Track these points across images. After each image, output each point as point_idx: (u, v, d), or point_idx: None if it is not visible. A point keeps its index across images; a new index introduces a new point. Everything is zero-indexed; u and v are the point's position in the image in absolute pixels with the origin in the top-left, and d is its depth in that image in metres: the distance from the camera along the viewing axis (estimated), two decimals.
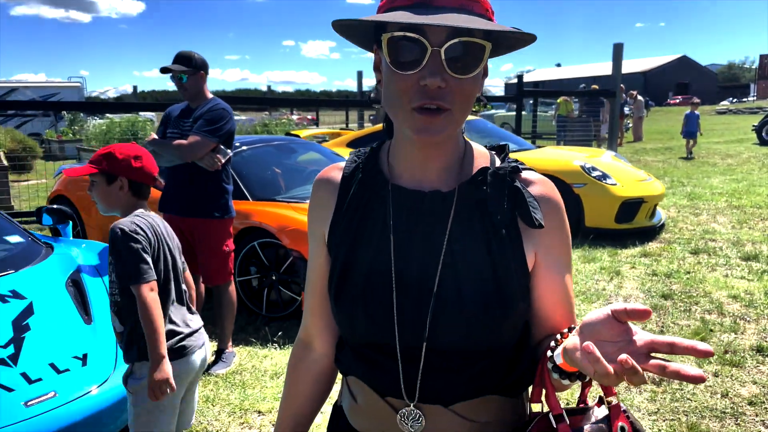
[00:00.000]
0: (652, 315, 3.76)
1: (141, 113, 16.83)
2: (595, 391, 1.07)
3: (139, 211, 2.07)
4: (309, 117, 28.80)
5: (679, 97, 57.44)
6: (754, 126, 16.51)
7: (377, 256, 0.93)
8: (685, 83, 66.81)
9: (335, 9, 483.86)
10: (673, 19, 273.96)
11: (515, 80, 13.25)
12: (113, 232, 1.94)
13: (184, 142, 3.42)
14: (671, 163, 12.32)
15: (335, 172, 1.03)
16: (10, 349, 2.42)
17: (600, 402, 0.89)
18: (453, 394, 0.92)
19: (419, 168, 0.94)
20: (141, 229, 1.98)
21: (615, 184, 6.21)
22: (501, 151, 1.00)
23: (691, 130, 13.52)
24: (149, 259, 1.96)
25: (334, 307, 0.97)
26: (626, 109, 17.46)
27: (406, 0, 0.83)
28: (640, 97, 17.96)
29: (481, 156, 0.98)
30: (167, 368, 1.89)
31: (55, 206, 3.87)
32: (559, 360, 0.79)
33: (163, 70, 3.55)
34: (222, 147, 3.53)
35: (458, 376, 0.91)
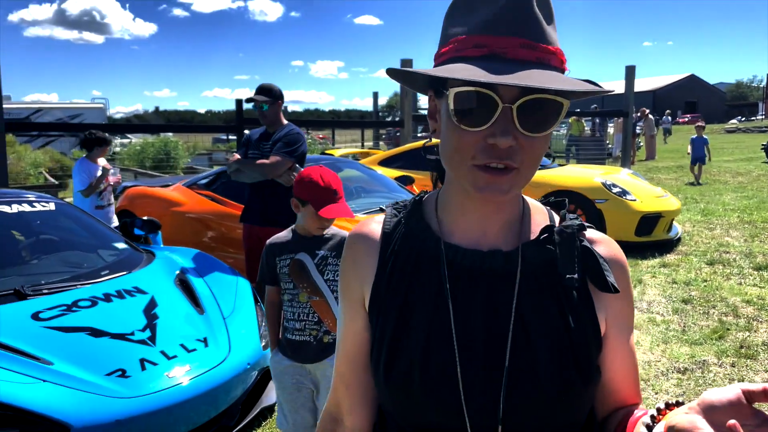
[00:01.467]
0: (675, 317, 4.18)
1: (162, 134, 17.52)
2: None
3: None
4: (321, 135, 29.55)
5: (688, 115, 57.92)
6: (763, 145, 16.98)
7: (434, 326, 0.82)
8: (693, 102, 67.24)
9: (344, 29, 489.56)
10: (681, 37, 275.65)
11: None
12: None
13: (266, 161, 3.94)
14: (684, 180, 12.76)
15: (374, 226, 0.92)
16: (148, 332, 2.93)
17: None
18: None
19: (477, 224, 0.85)
20: None
21: (634, 200, 6.69)
22: (558, 207, 0.93)
23: (698, 155, 12.61)
24: None
25: (384, 385, 0.86)
26: (637, 129, 17.95)
27: (475, 50, 0.75)
28: (650, 116, 18.44)
29: (539, 212, 0.90)
30: None
31: (145, 218, 4.39)
32: None
33: (248, 100, 4.10)
34: (297, 165, 4.05)
35: None
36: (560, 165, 8.66)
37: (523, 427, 0.79)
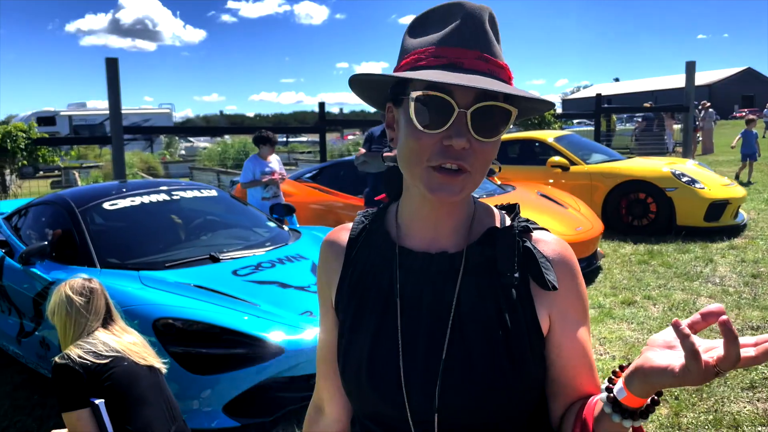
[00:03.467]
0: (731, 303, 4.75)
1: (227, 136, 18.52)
2: None
3: None
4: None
5: (745, 110, 56.40)
6: None
7: (383, 324, 0.90)
8: (750, 96, 65.29)
9: (388, 29, 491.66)
10: (737, 30, 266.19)
11: (572, 96, 14.23)
12: None
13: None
14: (746, 173, 12.97)
15: (343, 234, 1.00)
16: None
17: None
18: None
19: (430, 228, 0.92)
20: None
21: (703, 188, 7.18)
22: (511, 210, 0.97)
23: (748, 151, 11.74)
24: None
25: (341, 378, 0.95)
26: (697, 123, 18.05)
27: (434, 60, 0.82)
28: (711, 109, 18.48)
29: (491, 215, 0.95)
30: None
31: (282, 203, 5.20)
32: (622, 395, 0.74)
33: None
34: None
35: None
36: (629, 157, 9.15)
37: (457, 416, 0.85)
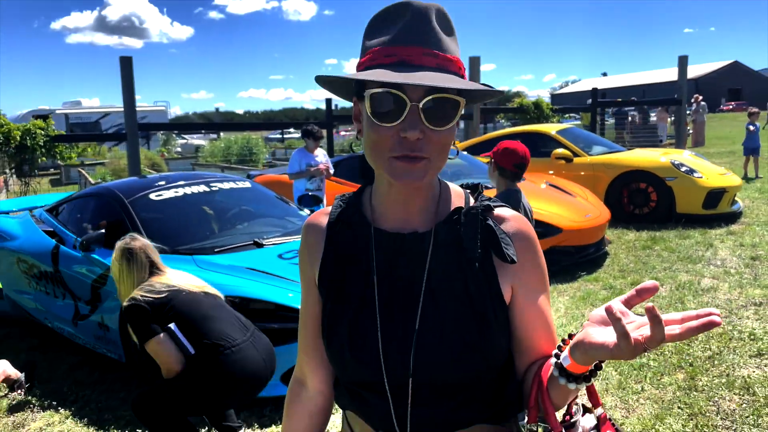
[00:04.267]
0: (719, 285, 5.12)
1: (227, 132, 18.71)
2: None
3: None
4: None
5: (732, 103, 57.11)
6: None
7: (363, 299, 0.98)
8: (737, 89, 66.08)
9: None
10: (724, 23, 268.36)
11: (560, 91, 14.60)
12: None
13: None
14: (738, 164, 13.37)
15: (322, 218, 1.07)
16: None
17: (585, 412, 0.95)
18: (443, 426, 0.96)
19: (400, 210, 0.99)
20: None
21: (701, 177, 7.52)
22: (475, 190, 1.05)
23: (753, 146, 11.21)
24: None
25: (326, 349, 1.03)
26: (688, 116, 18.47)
27: (387, 59, 0.89)
28: (703, 102, 18.89)
29: (457, 196, 1.02)
30: None
31: (309, 194, 5.47)
32: (567, 362, 0.83)
33: None
34: None
35: (447, 408, 0.95)
36: (629, 149, 9.49)
37: (430, 379, 0.94)
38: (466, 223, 0.96)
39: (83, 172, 13.38)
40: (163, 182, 4.65)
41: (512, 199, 3.17)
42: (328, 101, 10.39)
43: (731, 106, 54.20)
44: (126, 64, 9.06)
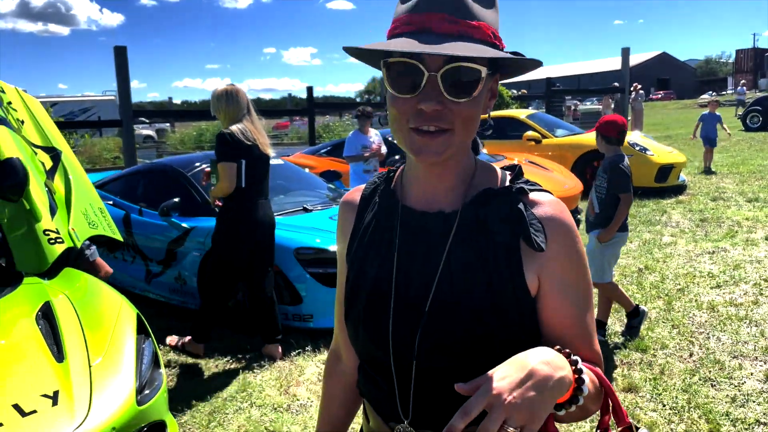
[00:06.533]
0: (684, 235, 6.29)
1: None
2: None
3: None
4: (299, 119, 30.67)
5: (661, 92, 60.50)
6: (738, 115, 19.14)
7: (380, 275, 0.97)
8: (665, 79, 69.85)
9: (316, 14, 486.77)
10: (652, 16, 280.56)
11: (514, 79, 15.78)
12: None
13: None
14: (676, 147, 14.82)
15: (357, 194, 1.07)
16: None
17: (626, 430, 0.89)
18: (445, 417, 0.83)
19: (427, 189, 0.96)
20: None
21: (652, 155, 8.63)
22: (513, 170, 0.99)
23: (709, 135, 10.50)
24: None
25: (345, 322, 1.03)
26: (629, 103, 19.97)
27: (407, 27, 0.85)
28: (641, 91, 20.45)
29: (493, 177, 0.97)
30: None
31: (330, 170, 6.17)
32: None
33: None
34: None
35: (450, 397, 0.85)
36: (588, 131, 10.56)
37: (435, 363, 0.90)
38: (494, 205, 0.91)
39: None
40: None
41: (621, 160, 3.83)
42: (309, 89, 11.00)
43: (660, 95, 57.48)
44: (120, 53, 9.39)
